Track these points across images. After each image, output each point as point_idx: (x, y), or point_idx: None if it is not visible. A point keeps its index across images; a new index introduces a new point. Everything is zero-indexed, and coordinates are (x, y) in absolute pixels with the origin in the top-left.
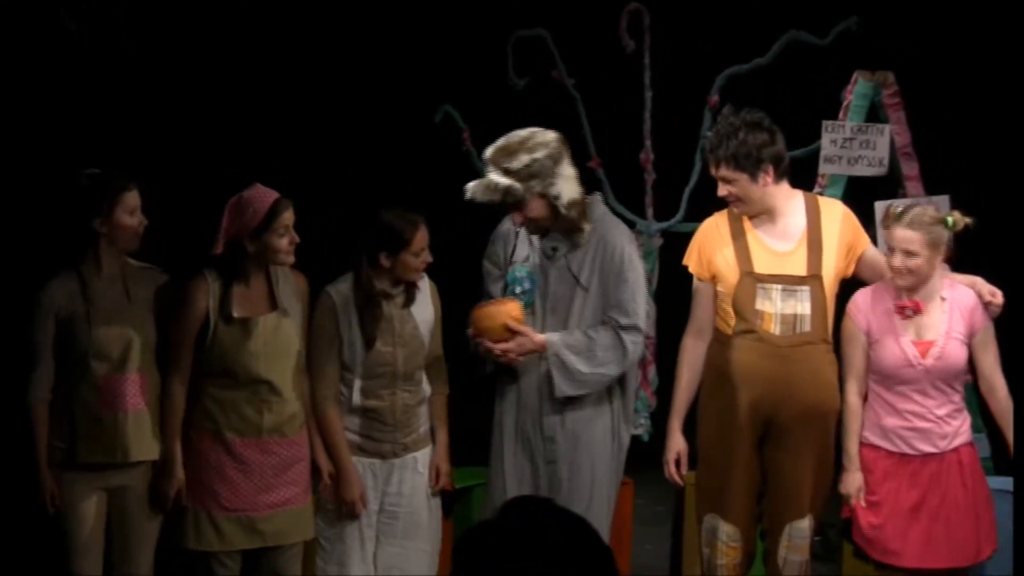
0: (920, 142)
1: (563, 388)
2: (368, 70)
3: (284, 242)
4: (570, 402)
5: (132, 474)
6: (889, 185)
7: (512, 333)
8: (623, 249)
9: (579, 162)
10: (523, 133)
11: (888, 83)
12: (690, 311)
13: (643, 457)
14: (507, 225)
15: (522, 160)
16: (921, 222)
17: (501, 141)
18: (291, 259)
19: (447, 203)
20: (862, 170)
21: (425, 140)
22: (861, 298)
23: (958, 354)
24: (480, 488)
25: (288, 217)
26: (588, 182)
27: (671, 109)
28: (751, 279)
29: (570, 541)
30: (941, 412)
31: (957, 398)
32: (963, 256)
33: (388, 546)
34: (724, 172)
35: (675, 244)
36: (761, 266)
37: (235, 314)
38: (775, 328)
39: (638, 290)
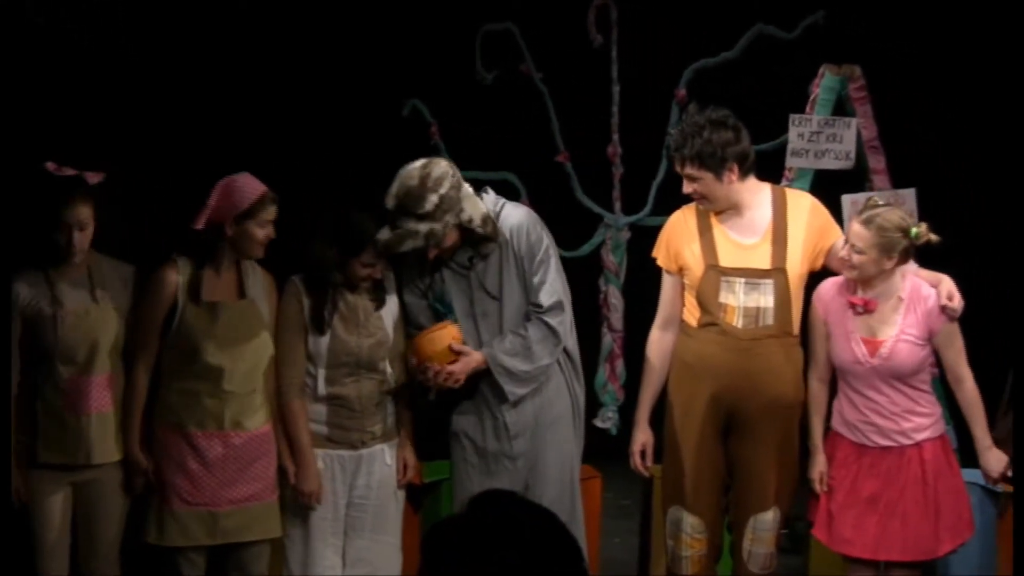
0: (887, 136)
1: (514, 391)
2: (336, 64)
3: (263, 234)
4: (537, 401)
5: (97, 471)
6: (856, 178)
7: (456, 354)
8: (525, 233)
9: (547, 156)
10: (415, 172)
11: (855, 77)
12: (659, 303)
13: (611, 451)
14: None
15: (432, 200)
16: (879, 225)
17: (400, 187)
18: (262, 253)
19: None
20: (829, 163)
21: (393, 134)
22: (824, 289)
23: (907, 355)
24: (448, 483)
25: (273, 212)
26: (556, 176)
27: (639, 103)
28: (715, 272)
29: (539, 535)
30: (896, 409)
31: (918, 395)
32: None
33: (357, 539)
34: (689, 171)
35: (643, 238)
36: (726, 259)
37: (204, 297)
38: (738, 321)
39: (550, 266)
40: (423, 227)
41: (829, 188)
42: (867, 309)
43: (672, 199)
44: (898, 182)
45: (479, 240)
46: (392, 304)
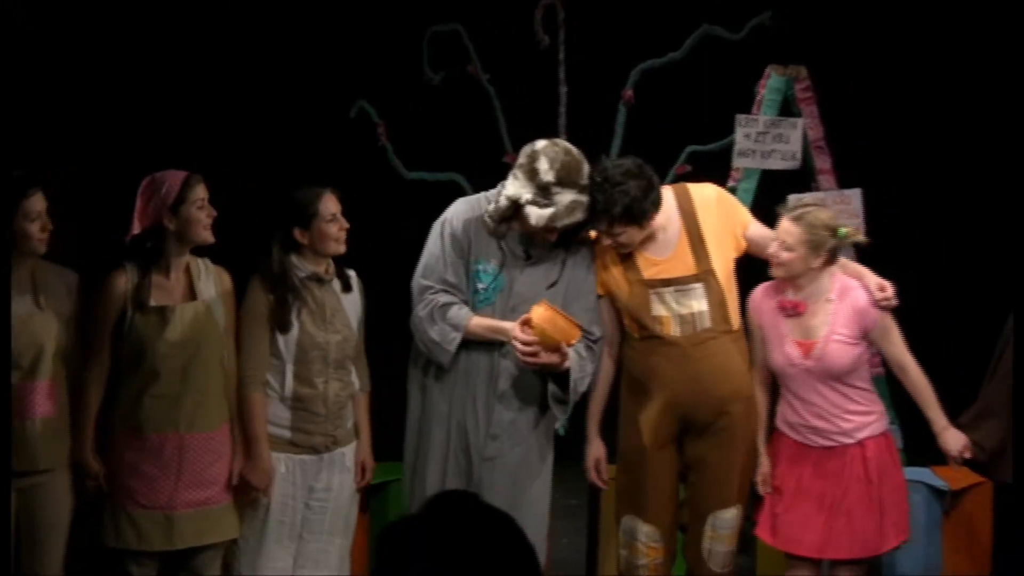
0: (833, 136)
1: (569, 411)
2: (283, 66)
3: (203, 215)
4: (523, 403)
5: (42, 476)
6: (802, 179)
7: (559, 352)
8: (590, 258)
9: (495, 157)
10: (561, 146)
11: (801, 77)
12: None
13: (558, 451)
14: (466, 216)
15: (584, 173)
16: (809, 222)
17: (554, 161)
18: (211, 236)
19: (364, 198)
20: (775, 164)
21: (341, 135)
22: (756, 294)
23: (840, 355)
24: (396, 484)
25: (202, 191)
26: (504, 177)
27: (586, 104)
28: (642, 286)
29: (495, 537)
30: (834, 410)
31: (856, 393)
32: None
33: (312, 541)
34: (616, 228)
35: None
36: (649, 272)
37: (152, 302)
38: (675, 330)
39: (596, 298)
40: (583, 198)
41: (776, 188)
42: (796, 311)
43: None
44: (844, 182)
45: (582, 224)
46: (357, 300)
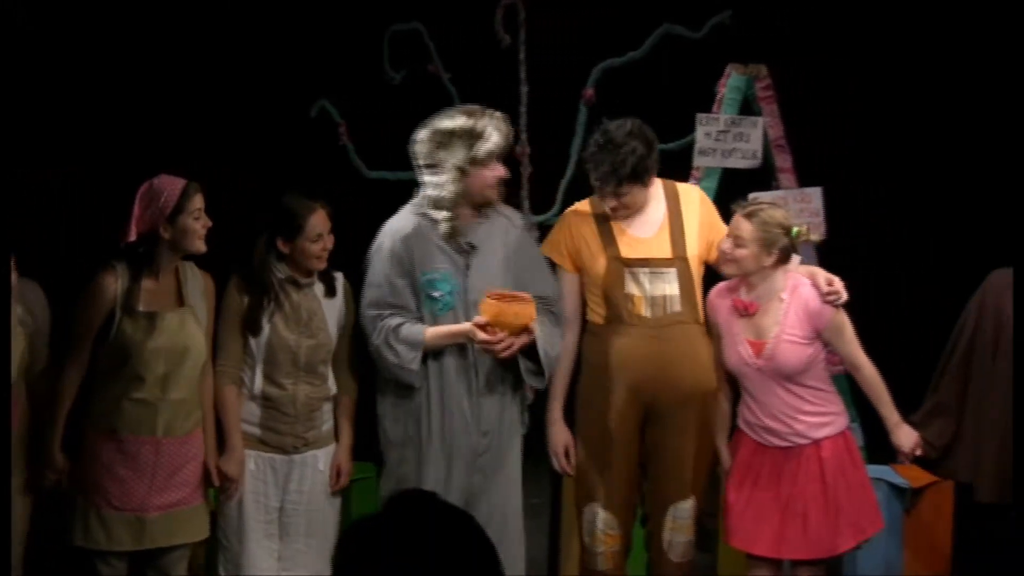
0: (793, 135)
1: (544, 381)
2: (244, 65)
3: (199, 225)
4: (504, 396)
5: None
6: (763, 177)
7: (526, 332)
8: (523, 223)
9: None
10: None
11: (761, 76)
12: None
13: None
14: (401, 234)
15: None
16: (762, 219)
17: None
18: (204, 246)
19: (325, 198)
20: (736, 162)
21: (302, 135)
22: (714, 293)
23: (791, 355)
24: (361, 483)
25: (200, 200)
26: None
27: (547, 103)
28: (618, 263)
29: (454, 537)
30: (787, 410)
31: (810, 393)
32: (838, 245)
33: (292, 543)
34: (623, 188)
35: None
36: (627, 251)
37: (141, 307)
38: (646, 311)
39: (544, 259)
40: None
41: (736, 187)
42: (748, 311)
43: (580, 199)
44: (804, 181)
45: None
46: (339, 304)
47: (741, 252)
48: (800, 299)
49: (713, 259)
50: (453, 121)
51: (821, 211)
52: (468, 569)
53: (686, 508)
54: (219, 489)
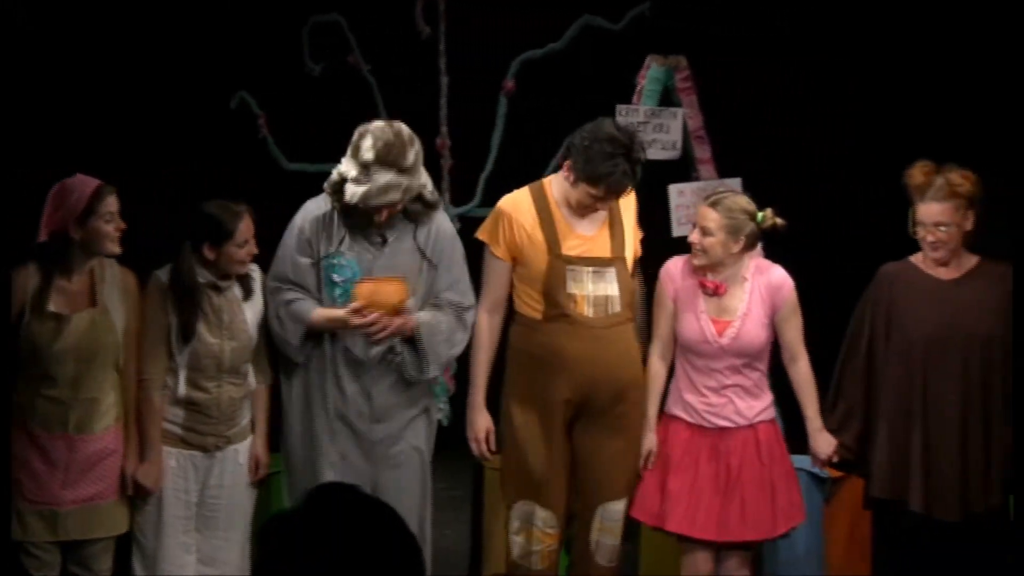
0: (712, 126)
1: (430, 371)
2: (162, 57)
3: (111, 228)
4: (398, 385)
5: None
6: (682, 168)
7: (399, 313)
8: (450, 228)
9: None
10: (388, 127)
11: (680, 67)
12: (483, 287)
13: (441, 441)
14: (313, 215)
15: (411, 154)
16: (727, 206)
17: (377, 141)
18: (117, 248)
19: (244, 190)
20: (656, 153)
21: (221, 127)
22: (672, 266)
23: (755, 335)
24: (278, 476)
25: (113, 203)
26: None
27: (467, 95)
28: (561, 261)
29: (376, 529)
30: (738, 390)
31: (757, 376)
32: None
33: (211, 538)
34: (624, 194)
35: (472, 229)
36: (570, 249)
37: (51, 308)
38: (588, 310)
39: (464, 265)
40: (404, 181)
41: (656, 178)
42: (717, 292)
43: (500, 191)
44: (724, 171)
45: (424, 206)
46: (257, 303)
47: (709, 240)
48: (764, 277)
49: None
50: (367, 149)
51: None
52: (390, 563)
53: (617, 509)
54: (133, 495)
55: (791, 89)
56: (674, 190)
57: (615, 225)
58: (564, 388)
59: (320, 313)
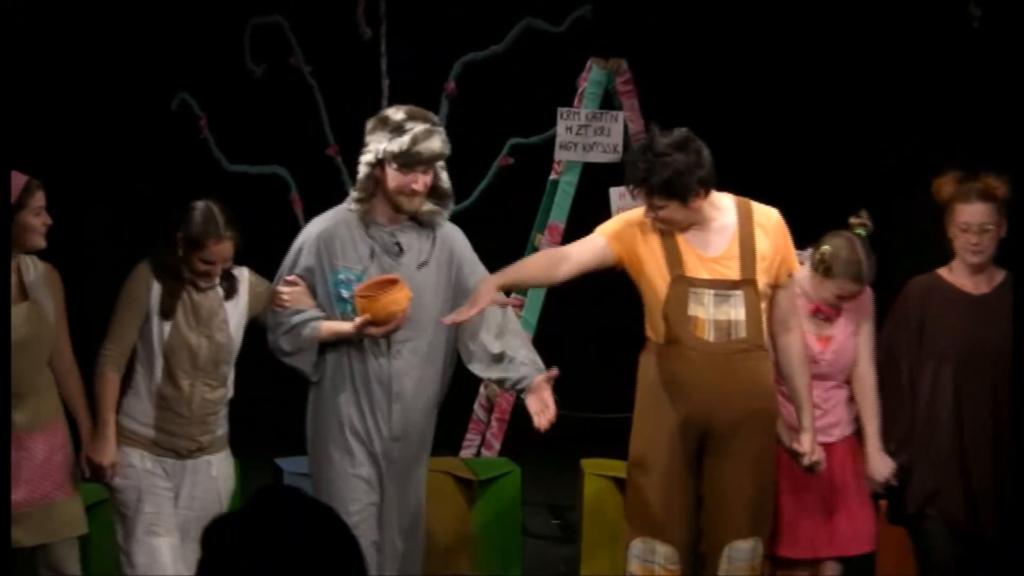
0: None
1: (540, 365)
2: (103, 58)
3: (39, 222)
4: (417, 400)
5: None
6: (624, 171)
7: (404, 312)
8: (455, 227)
9: (317, 150)
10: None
11: (621, 71)
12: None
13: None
14: (321, 230)
15: (433, 116)
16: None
17: (404, 106)
18: (43, 242)
19: (185, 191)
20: (597, 156)
21: (162, 128)
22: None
23: (851, 351)
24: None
25: (41, 198)
26: (326, 170)
27: (408, 97)
28: (683, 283)
29: (317, 532)
30: (836, 404)
31: (846, 390)
32: None
33: (190, 551)
34: (655, 200)
35: None
36: (692, 270)
37: None
38: (708, 335)
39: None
40: (439, 129)
41: (597, 181)
42: (828, 317)
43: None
44: None
45: (439, 199)
46: (241, 305)
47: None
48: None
49: (774, 287)
50: (394, 113)
51: None
52: (331, 564)
53: (743, 549)
54: (92, 479)
55: (735, 91)
56: (615, 193)
57: (745, 248)
58: (686, 416)
59: (329, 327)
